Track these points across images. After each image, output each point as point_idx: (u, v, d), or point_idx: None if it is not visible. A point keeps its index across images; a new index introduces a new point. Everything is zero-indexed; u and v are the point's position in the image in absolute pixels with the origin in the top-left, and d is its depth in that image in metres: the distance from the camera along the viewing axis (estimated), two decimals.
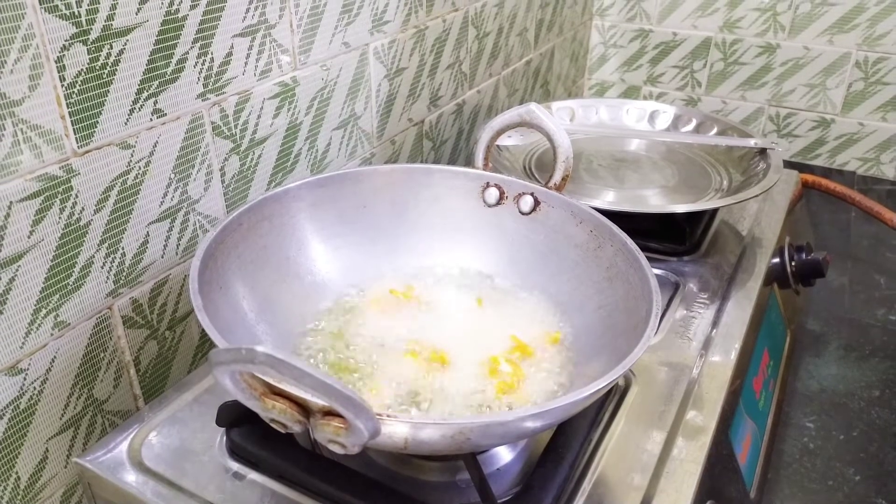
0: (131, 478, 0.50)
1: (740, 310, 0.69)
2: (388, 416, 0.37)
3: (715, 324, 0.67)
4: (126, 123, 0.53)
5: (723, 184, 0.85)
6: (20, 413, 0.51)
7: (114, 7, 0.50)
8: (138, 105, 0.54)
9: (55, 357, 0.53)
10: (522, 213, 0.62)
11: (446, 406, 0.50)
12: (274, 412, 0.37)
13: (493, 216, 0.63)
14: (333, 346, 0.55)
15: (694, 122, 0.97)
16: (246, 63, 0.62)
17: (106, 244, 0.55)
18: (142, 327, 0.60)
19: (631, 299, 0.51)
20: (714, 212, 0.86)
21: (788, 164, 0.98)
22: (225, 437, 0.52)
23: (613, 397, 0.57)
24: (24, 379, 0.51)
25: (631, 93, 1.53)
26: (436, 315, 0.59)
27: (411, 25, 0.84)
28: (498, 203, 0.63)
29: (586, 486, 0.49)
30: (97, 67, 0.50)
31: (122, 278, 0.57)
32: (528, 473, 0.48)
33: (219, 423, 0.52)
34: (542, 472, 0.48)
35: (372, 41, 0.78)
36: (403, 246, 0.63)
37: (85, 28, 0.48)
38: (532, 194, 0.62)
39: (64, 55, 0.48)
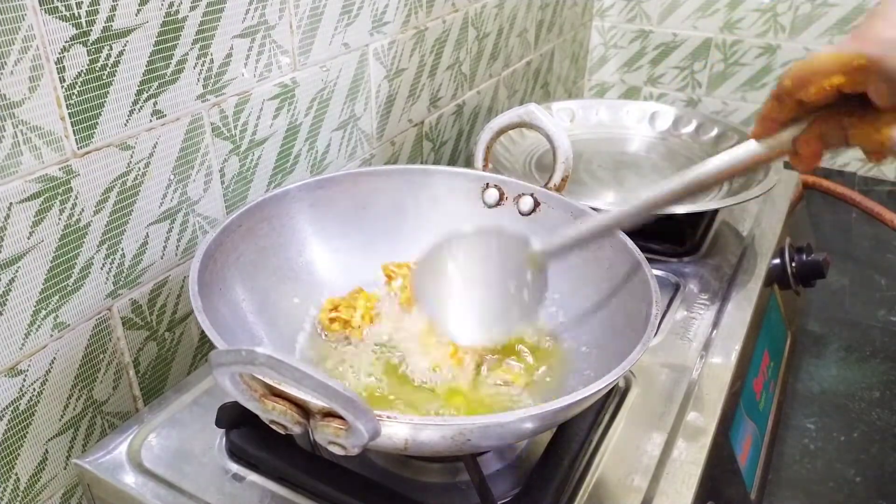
0: (131, 479, 0.50)
1: (741, 311, 0.69)
2: (388, 417, 0.37)
3: (715, 325, 0.67)
4: (126, 124, 0.53)
5: (723, 185, 0.85)
6: (20, 414, 0.51)
7: (113, 8, 0.50)
8: (138, 106, 0.54)
9: (55, 358, 0.53)
10: (522, 214, 0.62)
11: None
12: (274, 413, 0.37)
13: (492, 217, 0.63)
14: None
15: (694, 123, 0.97)
16: (245, 64, 0.62)
17: (105, 245, 0.54)
18: (141, 328, 0.60)
19: (631, 300, 0.51)
20: (714, 213, 0.85)
21: (789, 165, 0.98)
22: (224, 439, 0.52)
23: (613, 398, 0.57)
24: (24, 380, 0.51)
25: (631, 94, 1.53)
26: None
27: (411, 26, 0.84)
28: (498, 204, 0.63)
29: (586, 487, 0.49)
30: (97, 69, 0.50)
31: (122, 279, 0.57)
32: (528, 475, 0.48)
33: (218, 424, 0.52)
34: (542, 474, 0.48)
35: (372, 42, 0.78)
36: (403, 247, 0.63)
37: (85, 29, 0.48)
38: (532, 195, 0.62)
39: (64, 56, 0.48)
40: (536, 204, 0.62)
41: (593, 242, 0.52)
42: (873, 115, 0.37)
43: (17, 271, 0.48)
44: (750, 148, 0.43)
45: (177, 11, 0.55)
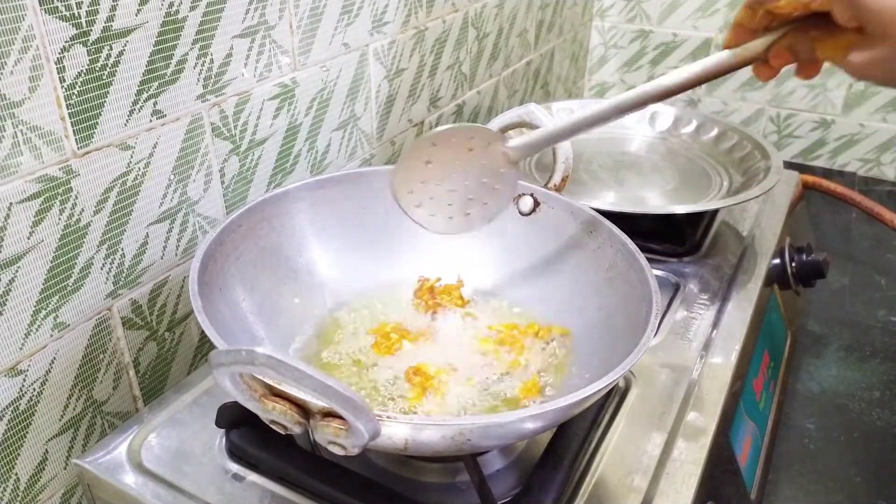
0: (131, 479, 0.50)
1: (741, 311, 0.69)
2: (387, 417, 0.37)
3: (715, 325, 0.67)
4: (126, 124, 0.53)
5: (723, 185, 0.85)
6: (20, 414, 0.51)
7: (113, 8, 0.50)
8: (138, 106, 0.54)
9: (55, 358, 0.53)
10: (522, 214, 0.62)
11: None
12: (274, 413, 0.37)
13: None
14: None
15: (694, 124, 0.97)
16: (245, 64, 0.62)
17: (105, 245, 0.54)
18: (141, 328, 0.60)
19: (631, 300, 0.51)
20: (714, 213, 0.85)
21: (789, 165, 0.98)
22: (224, 439, 0.52)
23: (613, 398, 0.57)
24: (24, 380, 0.51)
25: None
26: (433, 316, 0.59)
27: (411, 26, 0.84)
28: None
29: (586, 487, 0.49)
30: (97, 69, 0.50)
31: (122, 279, 0.57)
32: (528, 475, 0.48)
33: (218, 424, 0.52)
34: (542, 474, 0.48)
35: (372, 42, 0.78)
36: (403, 247, 0.63)
37: (85, 29, 0.48)
38: (532, 195, 0.62)
39: (64, 56, 0.48)
40: (536, 204, 0.62)
41: (565, 141, 0.54)
42: (839, 31, 0.41)
43: (17, 271, 0.48)
44: (721, 57, 0.45)
45: (177, 11, 0.55)
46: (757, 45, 0.44)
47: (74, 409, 0.55)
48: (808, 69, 0.45)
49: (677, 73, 0.46)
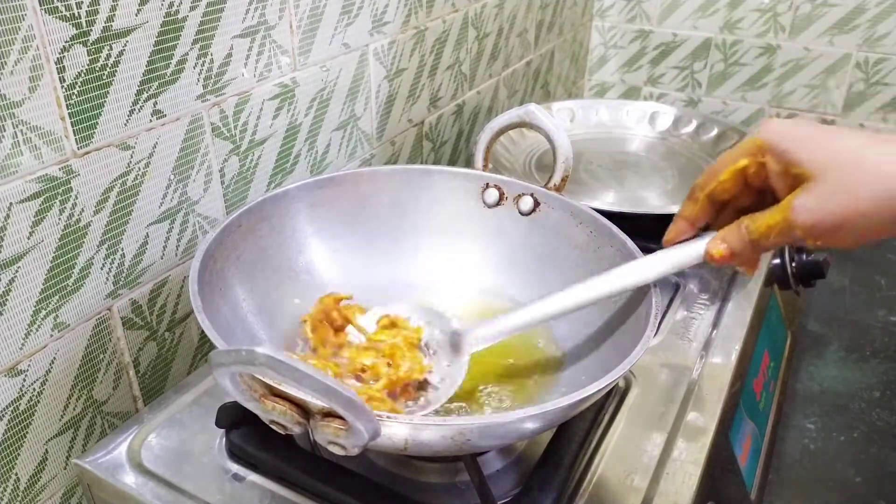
0: (131, 479, 0.50)
1: (741, 311, 0.69)
2: (387, 417, 0.37)
3: (715, 325, 0.67)
4: (126, 124, 0.53)
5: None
6: (20, 414, 0.51)
7: (113, 8, 0.50)
8: (138, 106, 0.54)
9: (55, 358, 0.53)
10: (522, 214, 0.62)
11: None
12: (274, 413, 0.37)
13: (492, 217, 0.63)
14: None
15: (694, 124, 0.97)
16: (245, 64, 0.62)
17: (105, 245, 0.54)
18: (141, 328, 0.60)
19: (631, 300, 0.51)
20: None
21: None
22: (224, 439, 0.52)
23: (613, 398, 0.57)
24: (24, 380, 0.51)
25: (631, 94, 1.53)
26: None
27: (411, 26, 0.84)
28: (497, 204, 0.63)
29: (586, 487, 0.49)
30: (97, 69, 0.50)
31: (122, 279, 0.57)
32: (528, 475, 0.48)
33: (218, 424, 0.52)
34: (542, 474, 0.48)
35: (372, 42, 0.78)
36: (403, 247, 0.63)
37: (85, 29, 0.48)
38: (532, 195, 0.62)
39: (64, 56, 0.48)
40: (536, 204, 0.62)
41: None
42: (770, 205, 0.44)
43: (17, 271, 0.48)
44: (687, 255, 0.48)
45: (177, 11, 0.55)
46: (698, 248, 0.47)
47: (74, 409, 0.55)
48: (749, 264, 0.47)
49: (644, 270, 0.49)
